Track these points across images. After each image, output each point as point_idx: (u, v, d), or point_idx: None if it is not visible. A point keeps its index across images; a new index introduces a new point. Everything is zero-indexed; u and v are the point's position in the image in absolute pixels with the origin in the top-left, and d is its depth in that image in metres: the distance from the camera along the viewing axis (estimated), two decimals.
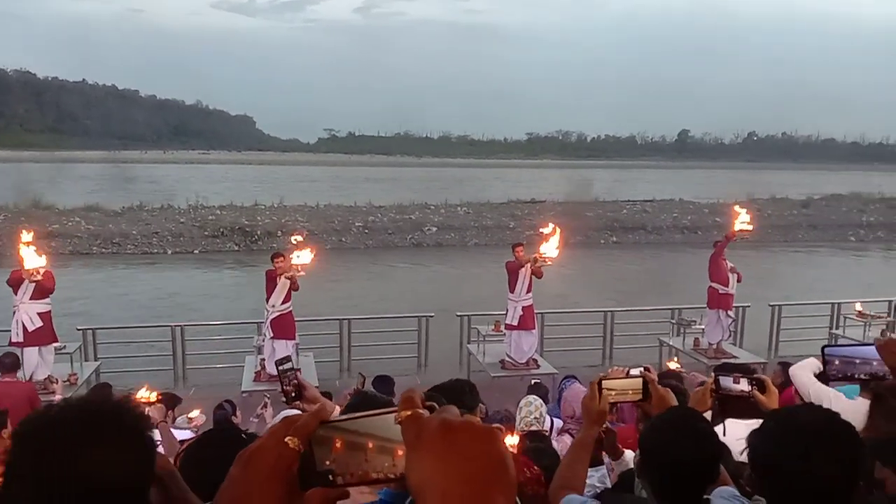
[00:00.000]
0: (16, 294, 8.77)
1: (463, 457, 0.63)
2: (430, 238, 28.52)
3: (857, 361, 1.59)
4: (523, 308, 9.90)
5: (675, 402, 1.91)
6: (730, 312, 10.57)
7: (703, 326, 10.77)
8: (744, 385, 2.04)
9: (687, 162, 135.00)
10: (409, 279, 21.28)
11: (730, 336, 10.94)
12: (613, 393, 1.94)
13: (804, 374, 2.67)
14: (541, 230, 9.86)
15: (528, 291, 9.94)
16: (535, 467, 2.72)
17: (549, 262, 9.43)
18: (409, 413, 0.69)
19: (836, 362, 1.62)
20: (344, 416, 0.76)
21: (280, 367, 2.31)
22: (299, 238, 9.57)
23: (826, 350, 1.62)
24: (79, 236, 25.49)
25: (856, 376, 1.61)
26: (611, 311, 11.93)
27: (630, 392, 1.95)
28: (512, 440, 3.47)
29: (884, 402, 1.83)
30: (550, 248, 9.29)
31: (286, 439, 0.74)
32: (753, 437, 1.59)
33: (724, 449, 2.01)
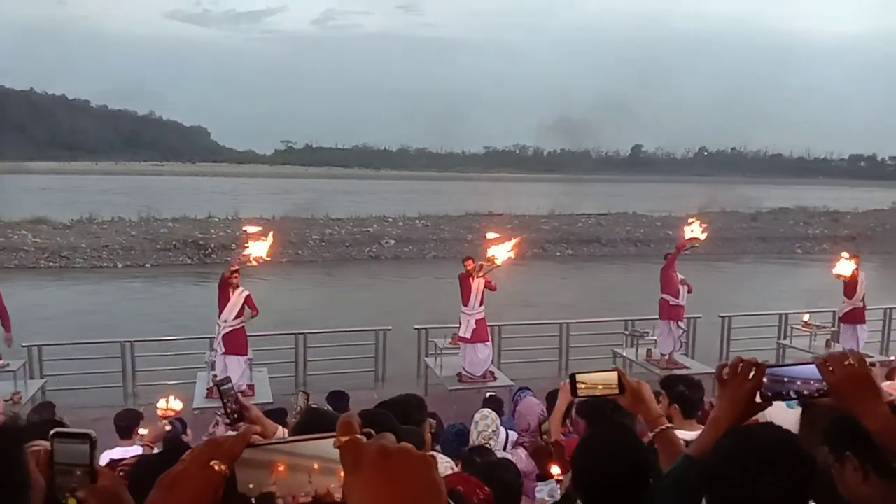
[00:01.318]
0: None
1: (400, 482, 0.66)
2: (388, 251, 28.47)
3: (786, 380, 1.63)
4: (476, 321, 9.93)
5: (649, 394, 1.93)
6: (681, 323, 10.79)
7: (655, 338, 10.96)
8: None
9: (640, 176, 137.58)
10: (366, 292, 21.16)
11: (681, 347, 11.16)
12: (584, 387, 1.94)
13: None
14: (486, 235, 9.90)
15: (482, 304, 9.97)
16: (486, 488, 2.74)
17: (497, 266, 9.48)
18: (347, 439, 0.70)
19: (766, 381, 1.66)
20: (276, 440, 0.77)
21: (221, 388, 2.26)
22: (253, 228, 9.42)
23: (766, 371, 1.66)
24: (25, 250, 24.71)
25: (784, 393, 1.65)
26: (566, 323, 12.05)
27: (602, 386, 1.96)
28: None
29: (810, 409, 1.91)
30: (501, 252, 9.34)
31: (212, 463, 0.73)
32: (712, 450, 1.63)
33: (652, 463, 2.06)
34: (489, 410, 4.27)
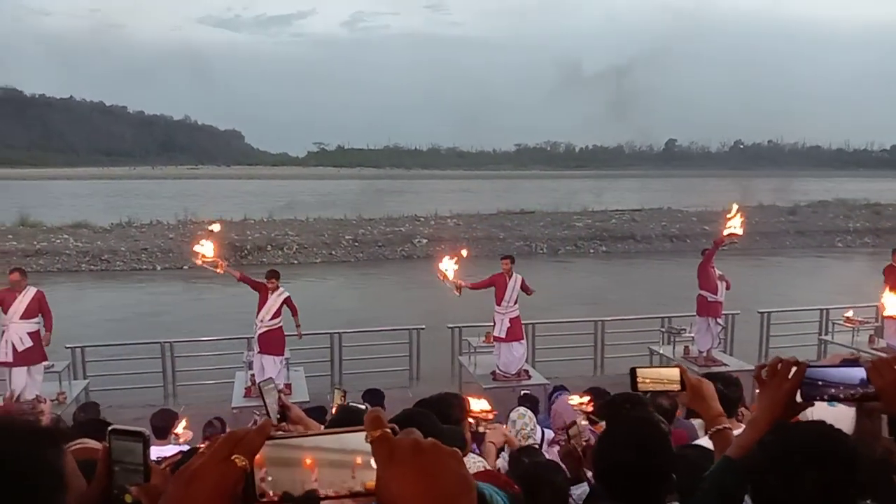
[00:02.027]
0: (5, 313, 8.71)
1: (433, 476, 0.68)
2: (420, 250, 28.52)
3: (820, 383, 1.60)
4: (510, 319, 9.92)
5: (710, 392, 1.91)
6: (719, 320, 10.62)
7: (692, 334, 10.81)
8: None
9: (674, 171, 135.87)
10: (399, 292, 21.25)
11: (719, 344, 10.99)
12: (644, 381, 1.93)
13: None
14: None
15: (515, 303, 9.97)
16: (516, 486, 2.74)
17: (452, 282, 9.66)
18: (379, 433, 0.71)
19: (803, 387, 1.62)
20: (295, 434, 0.77)
21: (263, 388, 2.29)
22: (216, 227, 9.53)
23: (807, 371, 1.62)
24: (67, 254, 25.33)
25: (822, 397, 1.61)
26: (601, 321, 11.95)
27: (665, 381, 1.93)
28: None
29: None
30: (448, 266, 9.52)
31: (233, 457, 0.72)
32: (754, 449, 1.60)
33: (672, 454, 2.05)
34: (525, 409, 4.25)
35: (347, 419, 2.41)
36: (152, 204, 43.19)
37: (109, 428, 1.10)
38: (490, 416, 3.64)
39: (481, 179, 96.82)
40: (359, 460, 0.72)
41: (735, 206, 9.94)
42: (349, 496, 0.73)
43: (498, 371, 9.92)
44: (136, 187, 69.45)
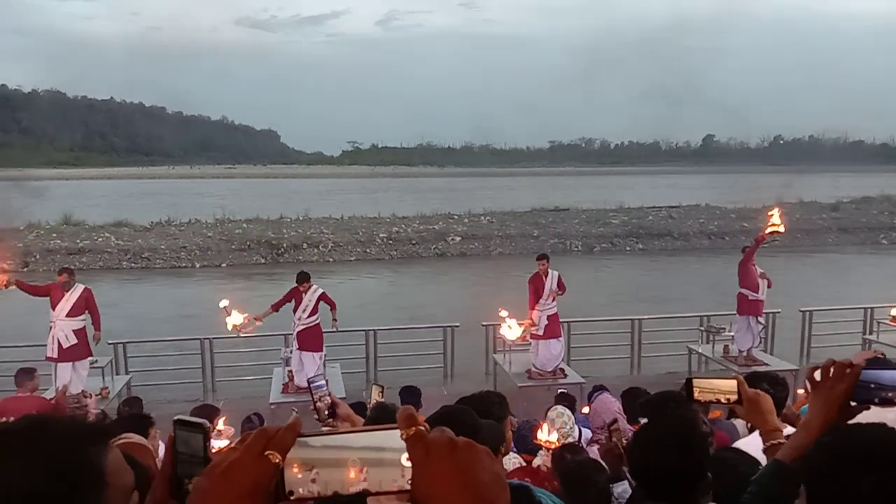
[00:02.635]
0: (53, 310, 8.94)
1: (469, 473, 0.69)
2: (454, 248, 28.53)
3: (872, 386, 1.55)
4: (548, 317, 9.86)
5: (768, 406, 1.88)
6: (760, 319, 10.42)
7: (732, 333, 10.62)
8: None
9: (712, 167, 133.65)
10: (433, 289, 21.28)
11: (760, 343, 10.78)
12: (701, 392, 1.91)
13: None
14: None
15: (554, 300, 9.91)
16: (555, 482, 2.72)
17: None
18: (414, 431, 0.71)
19: (856, 390, 1.58)
20: (327, 431, 0.76)
21: (312, 385, 2.31)
22: (224, 302, 9.39)
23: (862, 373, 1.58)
24: (108, 252, 25.92)
25: (873, 401, 1.56)
26: (638, 319, 11.81)
27: (718, 393, 1.91)
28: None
29: None
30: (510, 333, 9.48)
31: (267, 454, 0.72)
32: (810, 453, 1.57)
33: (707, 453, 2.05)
34: (563, 408, 4.20)
35: (384, 417, 2.41)
36: (191, 203, 43.94)
37: (174, 418, 1.12)
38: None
39: (515, 177, 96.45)
40: (403, 458, 0.72)
41: (780, 205, 9.73)
42: (396, 494, 0.73)
43: (534, 369, 9.87)
44: (174, 186, 70.77)
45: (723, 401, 1.91)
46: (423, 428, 0.72)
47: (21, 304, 10.81)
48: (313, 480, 0.72)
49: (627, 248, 29.38)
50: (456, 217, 33.50)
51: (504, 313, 9.53)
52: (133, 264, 25.35)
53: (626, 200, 38.06)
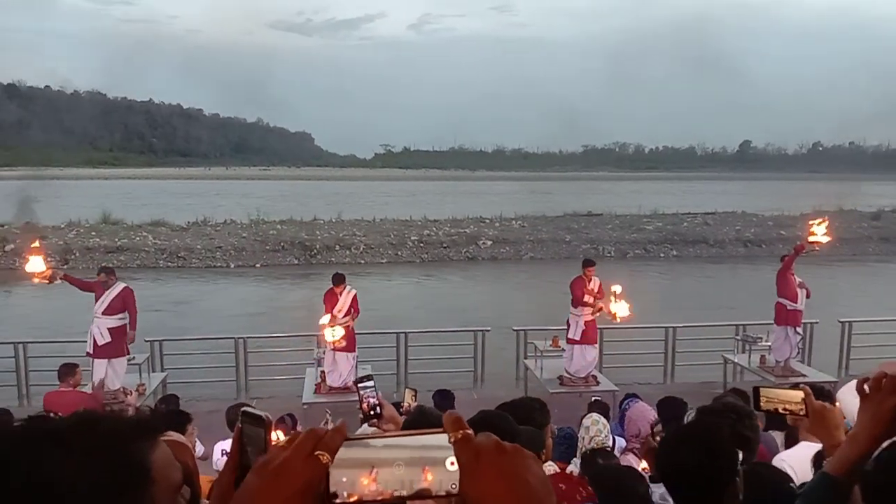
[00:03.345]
0: (95, 304, 9.14)
1: (517, 478, 0.70)
2: (484, 252, 28.49)
3: None
4: (586, 322, 9.79)
5: (836, 420, 1.84)
6: (798, 329, 10.21)
7: (769, 343, 10.42)
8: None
9: (749, 173, 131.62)
10: (464, 293, 21.27)
11: (798, 354, 10.56)
12: (767, 401, 1.88)
13: (852, 397, 2.53)
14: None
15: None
16: (589, 488, 2.70)
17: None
18: (462, 435, 0.72)
19: None
20: (371, 435, 0.75)
21: (360, 385, 2.30)
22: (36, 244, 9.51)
23: None
24: (146, 250, 26.40)
25: None
26: (672, 327, 11.65)
27: (788, 403, 1.88)
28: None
29: None
30: (622, 309, 9.22)
31: (317, 454, 0.71)
32: (869, 467, 1.54)
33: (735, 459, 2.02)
34: (598, 415, 4.16)
35: (423, 421, 2.41)
36: (226, 203, 44.58)
37: (241, 409, 1.15)
38: None
39: (547, 181, 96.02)
40: (448, 462, 0.72)
41: (820, 213, 9.52)
42: (444, 498, 0.72)
43: (566, 375, 9.80)
44: (210, 187, 71.83)
45: (788, 411, 1.88)
46: (470, 432, 0.72)
47: (68, 299, 11.06)
48: (374, 479, 0.71)
49: (661, 255, 29.04)
50: (487, 221, 33.45)
51: (617, 288, 9.37)
52: (169, 263, 25.79)
53: (660, 206, 37.64)
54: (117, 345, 9.09)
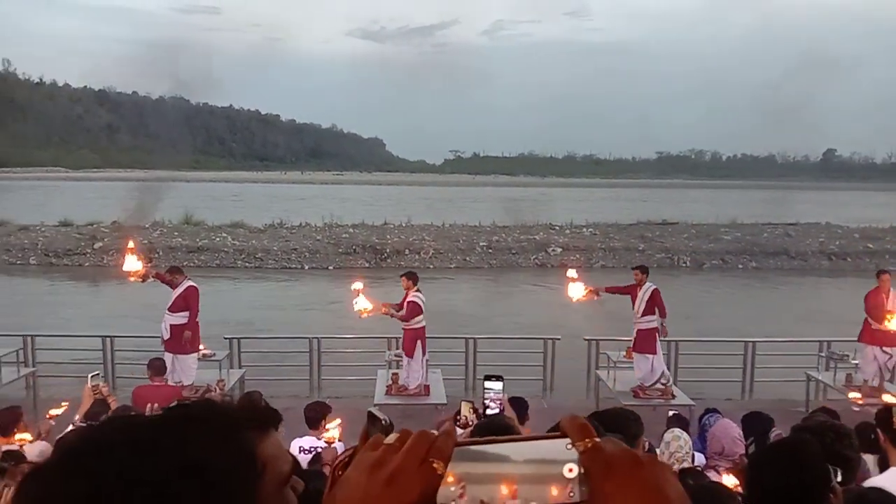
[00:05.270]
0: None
1: (659, 491, 0.63)
2: (554, 259, 28.20)
3: None
4: (637, 331, 9.61)
5: None
6: (886, 349, 9.67)
7: (856, 362, 9.93)
8: None
9: (833, 183, 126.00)
10: (533, 300, 21.12)
11: (889, 375, 10.02)
12: None
13: None
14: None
15: (643, 314, 9.57)
16: None
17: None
18: (592, 443, 0.66)
19: None
20: (487, 440, 0.69)
21: (486, 384, 2.13)
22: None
23: None
24: (225, 251, 27.35)
25: None
26: (752, 342, 11.25)
27: None
28: None
29: None
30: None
31: (432, 463, 0.64)
32: None
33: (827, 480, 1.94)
34: (681, 431, 4.05)
35: (496, 427, 2.37)
36: (301, 207, 45.69)
37: (368, 410, 1.17)
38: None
39: (619, 188, 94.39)
40: (566, 470, 0.66)
41: None
42: None
43: (640, 387, 9.59)
44: (286, 191, 73.82)
45: None
46: (599, 441, 0.66)
47: (155, 295, 11.51)
48: (461, 495, 0.65)
49: (740, 266, 28.05)
50: (557, 228, 33.11)
51: (573, 273, 9.73)
52: (247, 264, 26.62)
53: (738, 216, 36.39)
54: (178, 342, 9.31)
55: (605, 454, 0.65)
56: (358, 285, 9.30)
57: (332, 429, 5.15)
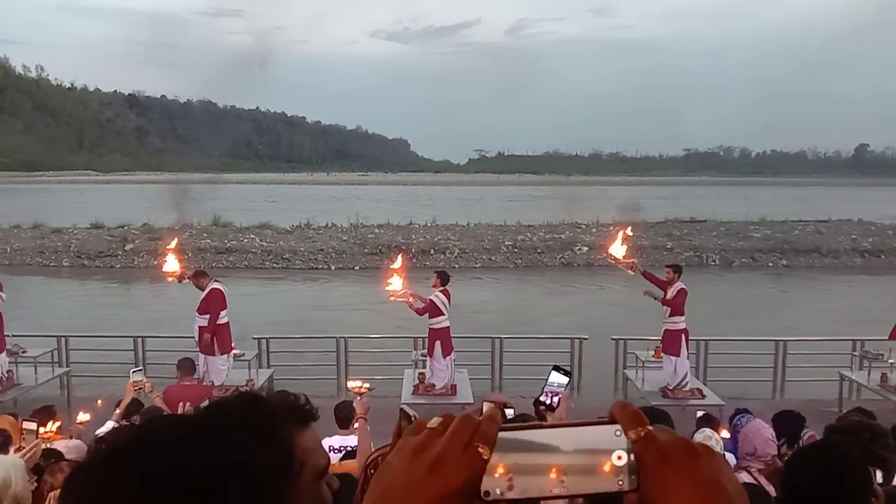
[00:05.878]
0: None
1: (717, 483, 0.61)
2: (580, 258, 28.03)
3: None
4: (664, 331, 9.55)
5: None
6: None
7: (892, 360, 9.73)
8: None
9: (866, 179, 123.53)
10: (560, 299, 21.02)
11: None
12: None
13: None
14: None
15: (671, 315, 9.48)
16: None
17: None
18: (645, 431, 0.63)
19: None
20: (529, 425, 0.67)
21: (550, 378, 2.04)
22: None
23: None
24: (253, 252, 27.63)
25: None
26: (783, 341, 11.08)
27: None
28: None
29: None
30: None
31: (478, 447, 0.62)
32: None
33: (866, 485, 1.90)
34: (712, 431, 4.01)
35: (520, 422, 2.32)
36: (327, 208, 45.98)
37: (401, 406, 1.18)
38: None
39: (646, 186, 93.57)
40: (615, 458, 0.64)
41: None
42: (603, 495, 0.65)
43: (667, 388, 9.50)
44: (313, 192, 74.35)
45: None
46: (652, 429, 0.64)
47: (184, 296, 11.69)
48: (510, 486, 0.63)
49: (770, 264, 27.63)
50: (583, 226, 32.87)
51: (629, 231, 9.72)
52: (275, 264, 26.86)
53: (768, 213, 35.84)
54: (202, 343, 9.49)
55: (659, 443, 0.63)
56: (397, 264, 9.38)
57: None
